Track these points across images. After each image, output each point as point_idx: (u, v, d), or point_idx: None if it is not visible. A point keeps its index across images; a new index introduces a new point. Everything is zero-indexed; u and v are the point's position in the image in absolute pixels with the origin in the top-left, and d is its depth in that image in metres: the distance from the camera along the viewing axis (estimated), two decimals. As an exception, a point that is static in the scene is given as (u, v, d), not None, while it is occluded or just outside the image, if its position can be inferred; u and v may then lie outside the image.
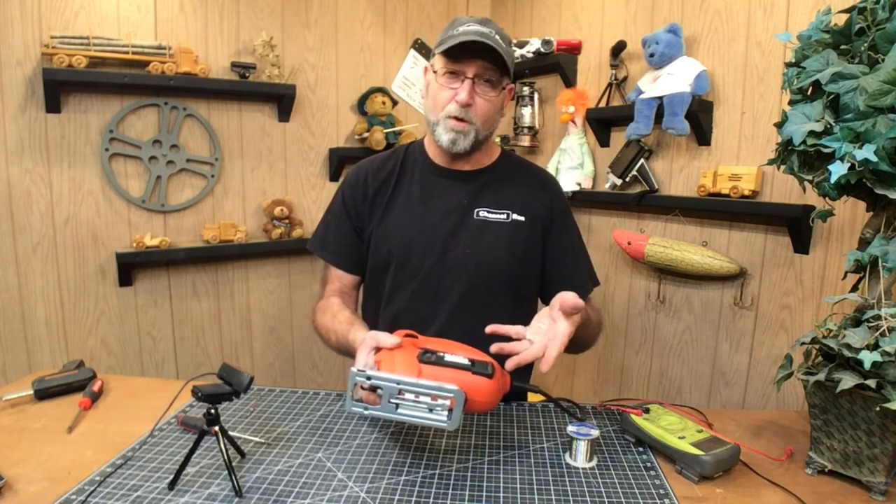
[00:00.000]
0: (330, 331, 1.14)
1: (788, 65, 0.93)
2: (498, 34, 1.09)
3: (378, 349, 0.90)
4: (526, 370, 1.29)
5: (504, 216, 1.18)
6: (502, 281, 1.17)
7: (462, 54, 1.07)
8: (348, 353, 1.07)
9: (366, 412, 0.81)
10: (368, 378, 0.80)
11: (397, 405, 0.80)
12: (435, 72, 1.13)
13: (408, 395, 0.80)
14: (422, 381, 0.80)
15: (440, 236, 1.16)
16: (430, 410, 0.80)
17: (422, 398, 0.80)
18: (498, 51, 1.05)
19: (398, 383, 0.79)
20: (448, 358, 0.87)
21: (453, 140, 1.12)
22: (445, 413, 0.80)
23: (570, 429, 0.92)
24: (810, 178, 0.90)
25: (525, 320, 1.23)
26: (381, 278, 1.21)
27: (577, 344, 1.15)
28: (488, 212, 1.18)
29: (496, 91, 1.12)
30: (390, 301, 1.20)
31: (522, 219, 1.19)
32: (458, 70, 1.08)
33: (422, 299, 1.17)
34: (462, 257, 1.16)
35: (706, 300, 1.86)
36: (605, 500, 0.81)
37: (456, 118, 1.10)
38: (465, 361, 0.87)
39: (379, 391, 0.80)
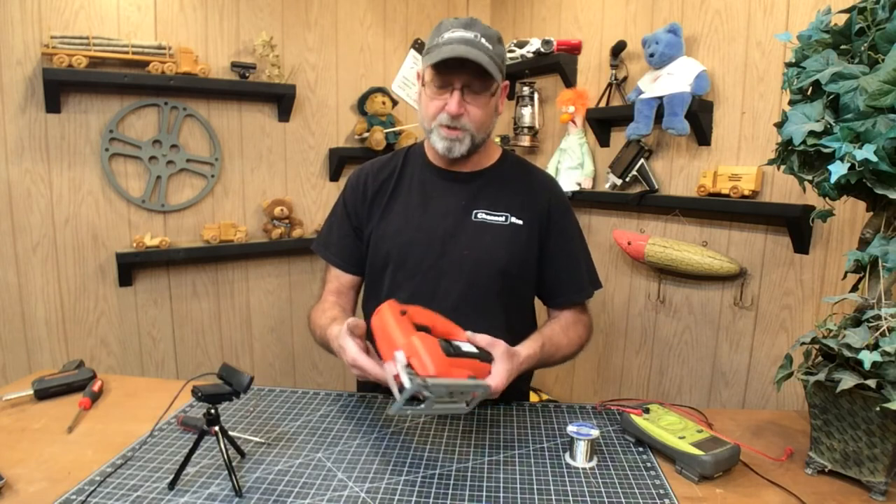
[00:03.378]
0: (317, 326, 1.18)
1: (788, 65, 0.93)
2: (484, 36, 1.07)
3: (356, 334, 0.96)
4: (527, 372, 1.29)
5: (502, 218, 1.18)
6: (500, 282, 1.17)
7: (449, 65, 1.06)
8: (328, 346, 1.12)
9: (409, 412, 0.83)
10: (427, 386, 0.80)
11: (434, 402, 0.83)
12: (424, 84, 1.13)
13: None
14: (466, 382, 0.84)
15: (438, 237, 1.17)
16: (455, 401, 0.84)
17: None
18: (482, 63, 1.04)
19: (447, 387, 0.82)
20: (463, 348, 0.91)
21: (448, 147, 1.13)
22: (465, 402, 0.84)
23: (570, 429, 0.92)
24: (810, 178, 0.90)
25: (522, 322, 1.24)
26: (380, 278, 1.22)
27: (549, 363, 1.16)
28: (487, 213, 1.18)
29: (487, 96, 1.11)
30: None
31: (521, 222, 1.18)
32: (446, 81, 1.08)
33: (419, 300, 1.16)
34: (460, 259, 1.16)
35: (706, 300, 1.86)
36: (605, 500, 0.81)
37: (448, 127, 1.11)
38: (475, 350, 0.92)
39: (426, 393, 0.81)
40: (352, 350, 0.94)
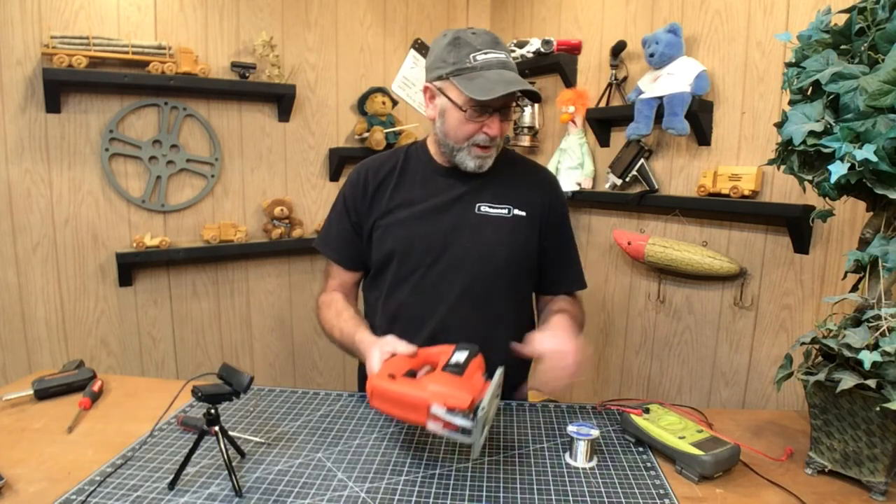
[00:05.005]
0: (335, 327, 1.18)
1: (788, 65, 0.93)
2: (508, 52, 1.10)
3: (392, 355, 0.95)
4: (524, 365, 1.29)
5: (505, 211, 1.19)
6: (502, 275, 1.18)
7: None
8: (350, 350, 1.12)
9: (479, 444, 0.83)
10: (480, 413, 0.82)
11: (485, 419, 0.85)
12: (453, 102, 1.09)
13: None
14: (495, 381, 0.87)
15: (441, 231, 1.17)
16: (496, 400, 0.89)
17: None
18: (528, 89, 1.06)
19: (490, 400, 0.84)
20: (460, 360, 0.91)
21: (480, 165, 1.15)
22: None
23: (570, 429, 0.92)
24: (810, 178, 0.90)
25: (524, 315, 1.25)
26: (384, 273, 1.22)
27: None
28: (489, 207, 1.19)
29: (512, 108, 1.13)
30: (391, 295, 1.21)
31: (523, 214, 1.20)
32: (486, 107, 1.08)
33: (423, 293, 1.18)
34: (463, 252, 1.16)
35: (706, 300, 1.86)
36: (605, 500, 0.81)
37: (483, 146, 1.13)
38: (465, 354, 0.92)
39: (480, 415, 0.83)
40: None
